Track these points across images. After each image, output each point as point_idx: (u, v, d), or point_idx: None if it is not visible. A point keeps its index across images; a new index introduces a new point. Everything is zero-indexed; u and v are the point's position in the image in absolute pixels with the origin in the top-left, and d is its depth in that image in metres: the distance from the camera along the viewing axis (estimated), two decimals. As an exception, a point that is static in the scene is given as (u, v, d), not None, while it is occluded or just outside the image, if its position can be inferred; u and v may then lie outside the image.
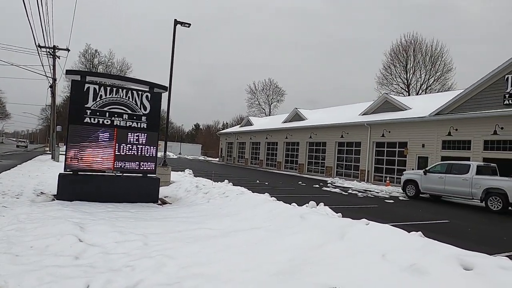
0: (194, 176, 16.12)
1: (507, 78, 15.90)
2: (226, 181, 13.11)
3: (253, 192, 10.50)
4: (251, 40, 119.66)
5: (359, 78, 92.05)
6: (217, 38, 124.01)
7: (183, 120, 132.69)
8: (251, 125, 43.59)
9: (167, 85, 12.69)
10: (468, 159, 16.72)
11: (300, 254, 4.57)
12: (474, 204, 14.33)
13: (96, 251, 4.52)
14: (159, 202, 9.37)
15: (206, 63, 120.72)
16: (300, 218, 6.16)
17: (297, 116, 34.07)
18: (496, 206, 12.55)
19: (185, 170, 18.18)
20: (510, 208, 12.43)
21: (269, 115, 62.49)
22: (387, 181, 21.22)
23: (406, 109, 22.42)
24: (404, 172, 17.28)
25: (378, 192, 17.38)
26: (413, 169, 18.96)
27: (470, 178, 13.57)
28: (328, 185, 20.07)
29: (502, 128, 16.04)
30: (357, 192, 16.68)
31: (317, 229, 5.30)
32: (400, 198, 15.71)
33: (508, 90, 15.86)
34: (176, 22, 14.52)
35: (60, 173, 8.31)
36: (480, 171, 13.71)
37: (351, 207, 11.69)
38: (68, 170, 8.25)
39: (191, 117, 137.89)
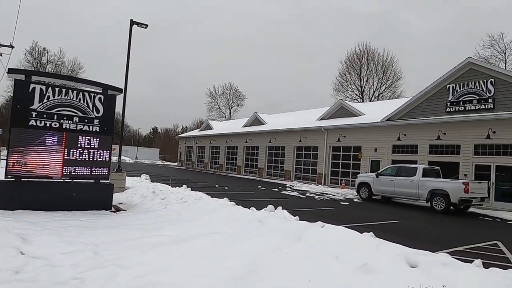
0: (151, 181, 15.63)
1: (449, 87, 17.27)
2: (184, 186, 12.86)
3: (212, 197, 10.38)
4: (212, 43, 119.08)
5: (317, 84, 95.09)
6: (178, 40, 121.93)
7: (140, 124, 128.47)
8: (211, 129, 43.28)
9: (123, 87, 12.22)
10: (415, 162, 17.87)
11: (258, 258, 4.59)
12: (421, 204, 15.31)
13: (40, 264, 4.21)
14: (113, 209, 8.96)
15: (166, 66, 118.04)
16: (258, 222, 6.20)
17: (257, 121, 34.39)
18: (439, 206, 13.52)
19: (142, 175, 17.57)
20: (451, 207, 13.45)
21: (229, 119, 62.45)
22: (342, 184, 22.06)
23: (360, 115, 23.51)
24: (358, 175, 18.06)
25: (334, 195, 17.99)
26: (366, 172, 19.88)
27: (417, 180, 14.50)
28: (287, 188, 20.43)
29: (444, 133, 17.36)
30: (314, 195, 17.14)
31: (274, 233, 5.36)
32: (355, 200, 16.38)
33: (449, 99, 17.22)
34: (133, 23, 14.07)
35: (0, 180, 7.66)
36: (425, 173, 14.69)
37: (309, 210, 11.98)
38: (9, 176, 7.62)
39: (149, 121, 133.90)
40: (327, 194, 18.38)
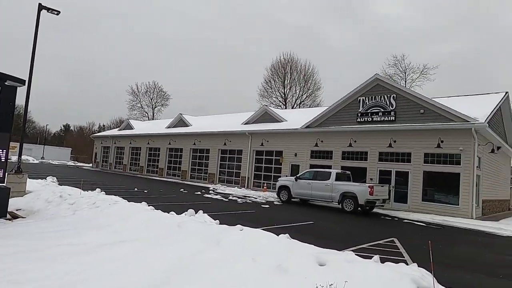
0: (58, 184, 14.13)
1: (359, 100, 19.10)
2: (98, 189, 11.91)
3: (129, 201, 9.83)
4: (136, 40, 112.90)
5: (245, 88, 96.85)
6: (98, 34, 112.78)
7: (50, 120, 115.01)
8: (132, 128, 40.91)
9: (27, 78, 10.83)
10: (330, 167, 19.33)
11: (176, 264, 4.47)
12: (334, 206, 16.58)
13: None
14: (8, 216, 7.86)
15: (84, 59, 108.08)
16: (177, 227, 6.06)
17: (181, 122, 33.57)
18: (349, 207, 14.82)
19: (47, 178, 15.76)
20: (359, 208, 14.84)
21: (153, 119, 59.85)
22: (264, 187, 22.76)
23: (283, 121, 24.59)
24: (278, 179, 18.82)
25: (256, 198, 18.46)
26: (287, 176, 20.82)
27: (330, 184, 15.69)
28: (210, 192, 20.32)
29: (355, 141, 19.12)
30: (237, 198, 17.36)
31: (194, 238, 5.29)
32: (275, 202, 17.02)
33: (360, 110, 19.05)
34: (41, 7, 12.61)
35: None
36: (338, 177, 15.98)
37: (230, 213, 12.08)
38: None
39: (61, 118, 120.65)
40: (249, 197, 18.76)
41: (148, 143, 35.16)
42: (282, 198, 17.56)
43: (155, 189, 19.51)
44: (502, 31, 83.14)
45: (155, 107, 64.44)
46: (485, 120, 15.06)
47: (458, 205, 15.50)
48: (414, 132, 16.98)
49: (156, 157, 34.42)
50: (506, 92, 19.20)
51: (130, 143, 38.14)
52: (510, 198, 24.86)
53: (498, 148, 18.82)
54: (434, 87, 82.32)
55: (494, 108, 16.76)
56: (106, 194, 11.38)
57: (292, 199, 17.44)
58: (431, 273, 4.05)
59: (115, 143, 41.31)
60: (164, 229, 6.09)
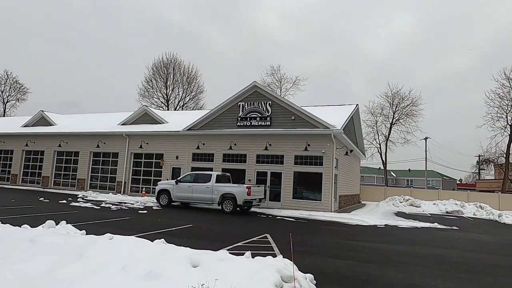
0: None
1: (239, 104, 20.02)
2: None
3: (-36, 215, 7.97)
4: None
5: (125, 86, 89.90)
6: None
7: None
8: (-27, 126, 33.23)
9: None
10: (211, 169, 19.63)
11: (26, 285, 3.83)
12: (214, 208, 16.89)
13: None
14: None
15: None
16: (30, 242, 5.20)
17: (43, 120, 28.94)
18: (228, 208, 15.34)
19: None
20: (238, 208, 15.50)
21: (4, 116, 49.98)
22: (143, 192, 21.58)
23: (164, 123, 23.79)
24: (158, 183, 18.13)
25: (133, 204, 17.33)
26: (168, 179, 20.22)
27: (211, 186, 15.95)
28: (79, 199, 18.13)
29: (235, 144, 19.94)
30: (111, 205, 15.97)
31: (50, 252, 4.62)
32: (154, 207, 16.32)
33: (240, 114, 19.96)
34: None
35: None
36: (219, 179, 16.37)
37: (102, 221, 11.03)
38: None
39: None
40: (125, 203, 17.49)
41: (-3, 145, 29.18)
42: (162, 203, 16.96)
43: (5, 199, 16.32)
44: (358, 49, 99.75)
45: (7, 102, 53.98)
46: (341, 127, 17.73)
47: (321, 200, 17.77)
48: (286, 137, 18.74)
49: (8, 161, 28.83)
50: (357, 104, 23.04)
51: (-30, 144, 30.94)
52: (360, 193, 29.89)
53: (351, 151, 22.41)
54: (304, 96, 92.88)
55: (348, 117, 19.89)
56: None
57: (172, 203, 17.03)
58: (293, 262, 4.53)
59: None
60: (13, 245, 5.13)
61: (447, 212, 22.55)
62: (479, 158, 49.97)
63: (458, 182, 70.83)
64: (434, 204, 24.68)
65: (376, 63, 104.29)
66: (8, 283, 3.89)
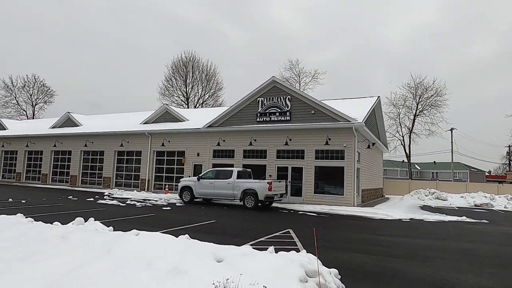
0: None
1: (259, 100, 20.00)
2: (-44, 203, 9.81)
3: (0, 214, 8.38)
4: (11, 26, 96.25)
5: (145, 86, 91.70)
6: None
7: None
8: (5, 129, 34.82)
9: None
10: (232, 165, 19.76)
11: (57, 280, 3.99)
12: (236, 203, 17.00)
13: None
14: None
15: None
16: (61, 238, 5.40)
17: (70, 121, 29.98)
18: (250, 204, 15.41)
19: None
20: (259, 204, 15.54)
21: (33, 118, 52.09)
22: (166, 189, 22.00)
23: (185, 120, 24.11)
24: (181, 179, 18.42)
25: (157, 200, 17.70)
26: (189, 176, 20.53)
27: (232, 182, 16.05)
28: (105, 197, 18.69)
29: (255, 140, 19.96)
30: (136, 202, 16.37)
31: (80, 248, 4.79)
32: (177, 204, 16.61)
33: (259, 110, 19.94)
34: None
35: None
36: (240, 175, 16.46)
37: (127, 218, 11.33)
38: None
39: None
40: (149, 200, 17.89)
41: (27, 146, 30.49)
42: (184, 199, 17.24)
43: (37, 198, 17.05)
44: (375, 40, 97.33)
45: (35, 104, 56.19)
46: (363, 120, 17.39)
47: (343, 195, 17.55)
48: (306, 131, 18.58)
49: (38, 162, 30.08)
50: (378, 97, 22.52)
51: (3, 145, 32.50)
52: (383, 187, 29.30)
53: (373, 144, 21.97)
54: (323, 90, 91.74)
55: (369, 110, 19.48)
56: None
57: (195, 200, 17.27)
58: (317, 256, 4.50)
59: (-19, 146, 34.64)
60: (45, 242, 5.35)
61: (475, 205, 21.76)
62: (509, 149, 47.89)
63: (487, 174, 68.22)
64: (462, 197, 23.87)
65: (397, 53, 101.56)
66: (39, 279, 4.05)
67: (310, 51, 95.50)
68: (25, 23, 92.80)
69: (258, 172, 19.02)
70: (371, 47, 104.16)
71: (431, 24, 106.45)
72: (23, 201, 15.12)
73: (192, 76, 47.37)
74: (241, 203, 15.87)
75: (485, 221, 14.10)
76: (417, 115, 40.16)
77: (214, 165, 20.66)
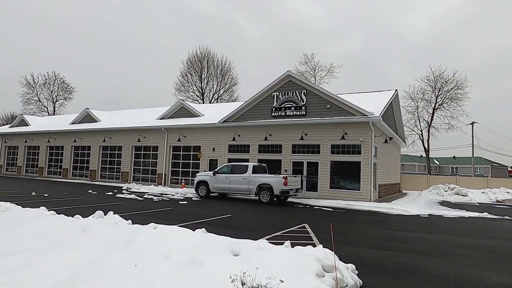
0: None
1: (274, 95, 19.92)
2: (-17, 196, 10.23)
3: (25, 207, 8.70)
4: (32, 25, 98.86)
5: (164, 81, 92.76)
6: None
7: None
8: (28, 125, 35.98)
9: None
10: (247, 160, 19.80)
11: (79, 271, 4.11)
12: (251, 198, 17.07)
13: None
14: None
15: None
16: (82, 231, 5.56)
17: (88, 117, 30.69)
18: (265, 198, 15.43)
19: None
20: (275, 199, 15.55)
21: (54, 115, 53.54)
22: (182, 184, 22.27)
23: (200, 116, 24.28)
24: (197, 174, 18.59)
25: (173, 195, 17.96)
26: (205, 171, 20.71)
27: (248, 176, 16.10)
28: (123, 191, 19.09)
29: (270, 134, 19.92)
30: (153, 196, 16.65)
31: (100, 241, 4.91)
32: (193, 198, 16.80)
33: (274, 105, 19.87)
34: None
35: None
36: (255, 170, 16.48)
37: (145, 212, 11.54)
38: None
39: None
40: (166, 194, 18.16)
41: (49, 141, 31.40)
42: (200, 194, 17.42)
43: (58, 192, 17.57)
44: (393, 33, 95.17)
45: (56, 101, 57.70)
46: (380, 114, 17.08)
47: (359, 190, 17.35)
48: (322, 126, 18.40)
49: (59, 157, 30.97)
50: (396, 90, 22.05)
51: (26, 141, 33.58)
52: (400, 182, 28.80)
53: (390, 138, 21.57)
54: (339, 84, 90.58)
55: (387, 104, 19.11)
56: (-7, 200, 9.85)
57: (210, 194, 17.43)
58: (333, 251, 4.47)
59: (5, 142, 35.93)
60: (67, 234, 5.53)
61: (497, 201, 21.14)
62: (534, 143, 46.14)
63: (510, 169, 66.03)
64: (483, 192, 23.22)
65: (416, 44, 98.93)
66: (61, 270, 4.17)
67: (329, 43, 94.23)
68: (44, 22, 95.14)
69: (273, 167, 19.00)
70: (391, 38, 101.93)
71: (456, 10, 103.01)
72: (45, 195, 15.61)
73: (207, 72, 47.59)
74: (257, 197, 15.91)
75: (508, 218, 13.68)
76: (436, 109, 39.18)
77: (230, 160, 20.75)
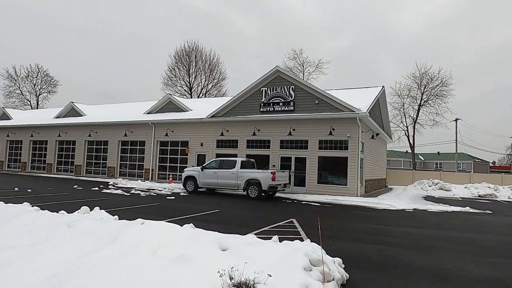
0: None
1: (262, 90, 19.89)
2: (-37, 191, 9.94)
3: (7, 203, 8.48)
4: (14, 17, 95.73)
5: (151, 77, 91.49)
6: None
7: None
8: (9, 119, 35.03)
9: None
10: (236, 155, 19.78)
11: (66, 268, 4.05)
12: (240, 193, 17.08)
13: None
14: None
15: None
16: (67, 227, 5.47)
17: (73, 111, 30.07)
18: (253, 193, 15.48)
19: None
20: (263, 194, 15.60)
21: (37, 108, 52.26)
22: (170, 179, 22.12)
23: (188, 110, 24.09)
24: (184, 169, 18.49)
25: (161, 190, 17.82)
26: (193, 166, 20.61)
27: (236, 172, 16.10)
28: (110, 186, 18.85)
29: (259, 130, 19.93)
30: (140, 192, 16.49)
31: (86, 237, 4.85)
32: (181, 193, 16.72)
33: (262, 100, 19.86)
34: None
35: None
36: (243, 165, 16.48)
37: (132, 207, 11.43)
38: None
39: None
40: (153, 189, 18.02)
41: (32, 136, 30.69)
42: (188, 189, 17.34)
43: (42, 187, 17.22)
44: (381, 30, 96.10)
45: (39, 94, 56.28)
46: (367, 110, 17.28)
47: (346, 185, 17.56)
48: (310, 121, 18.51)
49: (43, 151, 30.31)
50: (383, 86, 22.33)
51: (8, 135, 32.72)
52: (386, 177, 29.28)
53: (377, 134, 21.84)
54: (329, 79, 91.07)
55: (374, 100, 19.34)
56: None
57: (198, 189, 17.37)
58: (321, 246, 4.53)
59: (-13, 136, 34.92)
60: (52, 230, 5.43)
61: (479, 196, 21.74)
62: (514, 139, 47.55)
63: (491, 164, 67.89)
64: (466, 187, 23.83)
65: (406, 41, 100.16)
66: (47, 267, 4.11)
67: (316, 40, 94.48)
68: (30, 14, 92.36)
69: (262, 162, 19.05)
70: (380, 35, 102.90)
71: (444, 9, 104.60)
72: (29, 190, 15.28)
73: (195, 66, 47.15)
74: (245, 193, 15.93)
75: (489, 212, 14.09)
76: (422, 105, 39.85)
77: (218, 155, 20.69)
